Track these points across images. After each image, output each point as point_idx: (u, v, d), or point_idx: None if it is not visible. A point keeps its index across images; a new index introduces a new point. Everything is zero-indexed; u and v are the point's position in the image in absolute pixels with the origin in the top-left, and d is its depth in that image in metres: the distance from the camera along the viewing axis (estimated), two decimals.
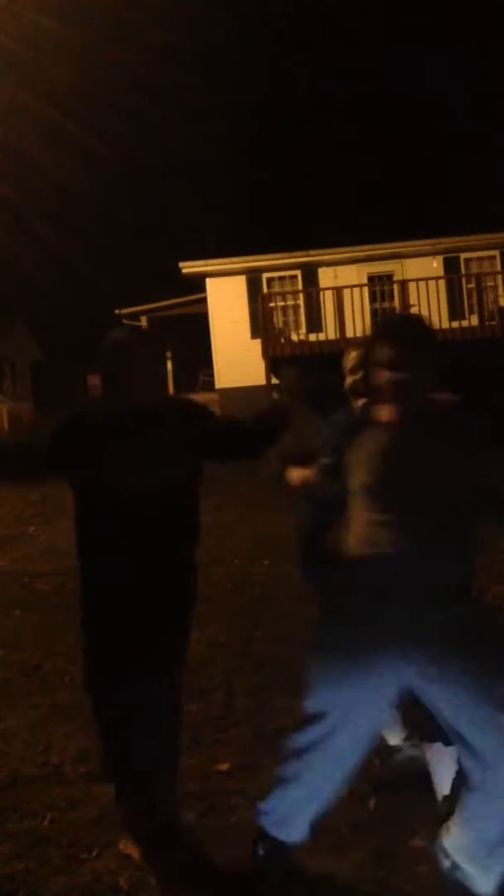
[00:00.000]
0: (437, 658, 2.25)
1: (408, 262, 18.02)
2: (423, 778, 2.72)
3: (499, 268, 17.99)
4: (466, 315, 16.97)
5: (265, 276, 18.47)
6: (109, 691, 2.56)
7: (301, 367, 4.37)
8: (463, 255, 18.25)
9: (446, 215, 18.70)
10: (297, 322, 18.15)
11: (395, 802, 3.01)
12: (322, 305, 16.57)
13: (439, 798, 2.55)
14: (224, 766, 3.38)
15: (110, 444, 2.53)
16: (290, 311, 18.35)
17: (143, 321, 22.12)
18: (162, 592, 2.56)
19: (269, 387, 15.23)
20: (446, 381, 2.44)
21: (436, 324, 15.30)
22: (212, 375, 19.36)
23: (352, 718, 2.36)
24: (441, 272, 17.64)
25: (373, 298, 16.81)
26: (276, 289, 18.45)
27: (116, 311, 22.08)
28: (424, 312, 15.26)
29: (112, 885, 2.63)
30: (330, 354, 15.55)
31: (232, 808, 3.04)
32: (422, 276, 16.44)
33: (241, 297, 18.38)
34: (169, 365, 23.43)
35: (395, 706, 2.43)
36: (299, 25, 37.37)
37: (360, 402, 3.11)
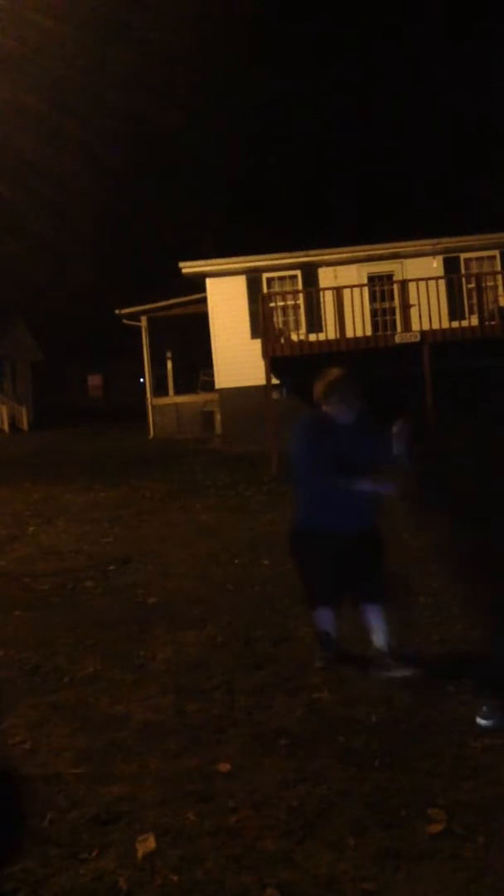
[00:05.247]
0: None
1: (408, 262, 18.02)
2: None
3: (499, 268, 17.97)
4: (466, 315, 16.96)
5: (265, 276, 18.47)
6: None
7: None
8: (463, 255, 18.24)
9: (446, 215, 18.70)
10: (297, 322, 18.14)
11: (393, 802, 3.01)
12: (322, 305, 16.55)
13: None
14: (224, 767, 3.38)
15: None
16: (290, 311, 18.34)
17: (143, 321, 22.11)
18: None
19: (269, 387, 15.22)
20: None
21: (436, 324, 15.34)
22: (212, 375, 19.35)
23: None
24: (441, 272, 17.63)
25: (373, 298, 16.79)
26: (276, 289, 18.44)
27: (116, 311, 22.07)
28: (424, 312, 15.26)
29: (112, 885, 2.63)
30: (330, 354, 15.57)
31: (232, 809, 3.04)
32: (422, 276, 16.43)
33: (241, 297, 18.38)
34: (169, 365, 23.43)
35: None
36: (300, 25, 37.34)
37: None
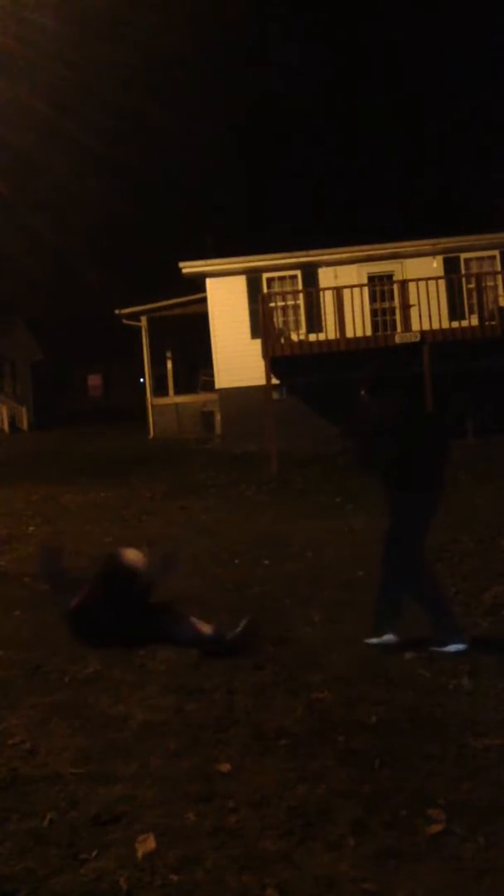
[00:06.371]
0: None
1: (408, 262, 18.02)
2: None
3: (499, 268, 17.98)
4: (466, 315, 16.96)
5: (265, 276, 18.47)
6: None
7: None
8: (463, 255, 18.25)
9: (446, 215, 18.71)
10: (297, 322, 18.14)
11: (393, 802, 3.01)
12: (322, 305, 16.56)
13: None
14: (224, 767, 3.38)
15: None
16: (290, 311, 18.34)
17: (143, 321, 22.11)
18: None
19: (269, 387, 15.23)
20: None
21: (436, 324, 15.34)
22: (212, 375, 19.35)
23: None
24: (441, 272, 17.63)
25: (373, 298, 16.80)
26: (276, 289, 18.44)
27: (116, 311, 22.06)
28: (424, 312, 15.27)
29: (112, 885, 2.63)
30: (330, 354, 15.57)
31: (232, 809, 3.04)
32: (422, 276, 16.43)
33: (241, 297, 18.38)
34: (169, 365, 23.44)
35: None
36: (299, 26, 37.35)
37: None
